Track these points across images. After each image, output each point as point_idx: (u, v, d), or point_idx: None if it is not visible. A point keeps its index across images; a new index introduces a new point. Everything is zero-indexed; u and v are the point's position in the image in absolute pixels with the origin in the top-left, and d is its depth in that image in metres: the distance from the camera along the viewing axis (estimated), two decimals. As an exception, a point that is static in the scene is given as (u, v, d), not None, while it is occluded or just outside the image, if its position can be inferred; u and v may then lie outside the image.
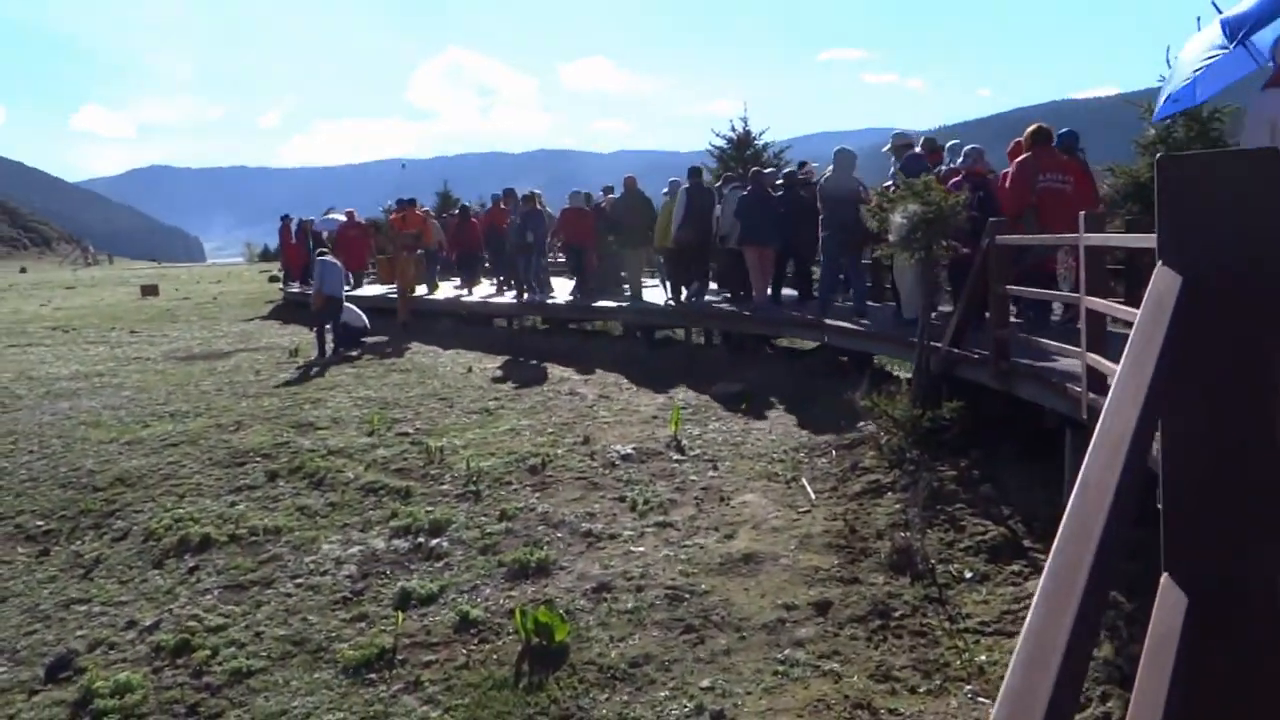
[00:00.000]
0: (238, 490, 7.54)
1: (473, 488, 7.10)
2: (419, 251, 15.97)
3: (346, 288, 14.81)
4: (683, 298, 12.22)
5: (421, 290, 16.43)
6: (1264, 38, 5.08)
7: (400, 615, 5.40)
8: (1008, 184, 7.50)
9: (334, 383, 10.94)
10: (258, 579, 6.13)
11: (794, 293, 12.36)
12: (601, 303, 13.41)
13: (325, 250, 14.47)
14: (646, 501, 6.62)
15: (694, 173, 12.00)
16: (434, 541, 6.33)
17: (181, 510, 7.18)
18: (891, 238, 6.77)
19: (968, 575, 5.31)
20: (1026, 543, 5.48)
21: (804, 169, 11.55)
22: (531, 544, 6.11)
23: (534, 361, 11.63)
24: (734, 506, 6.45)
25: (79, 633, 5.73)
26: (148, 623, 5.71)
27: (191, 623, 5.60)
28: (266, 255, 45.35)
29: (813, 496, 6.49)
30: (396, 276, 15.72)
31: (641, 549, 5.93)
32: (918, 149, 9.33)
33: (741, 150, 14.84)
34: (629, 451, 7.55)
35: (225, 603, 5.87)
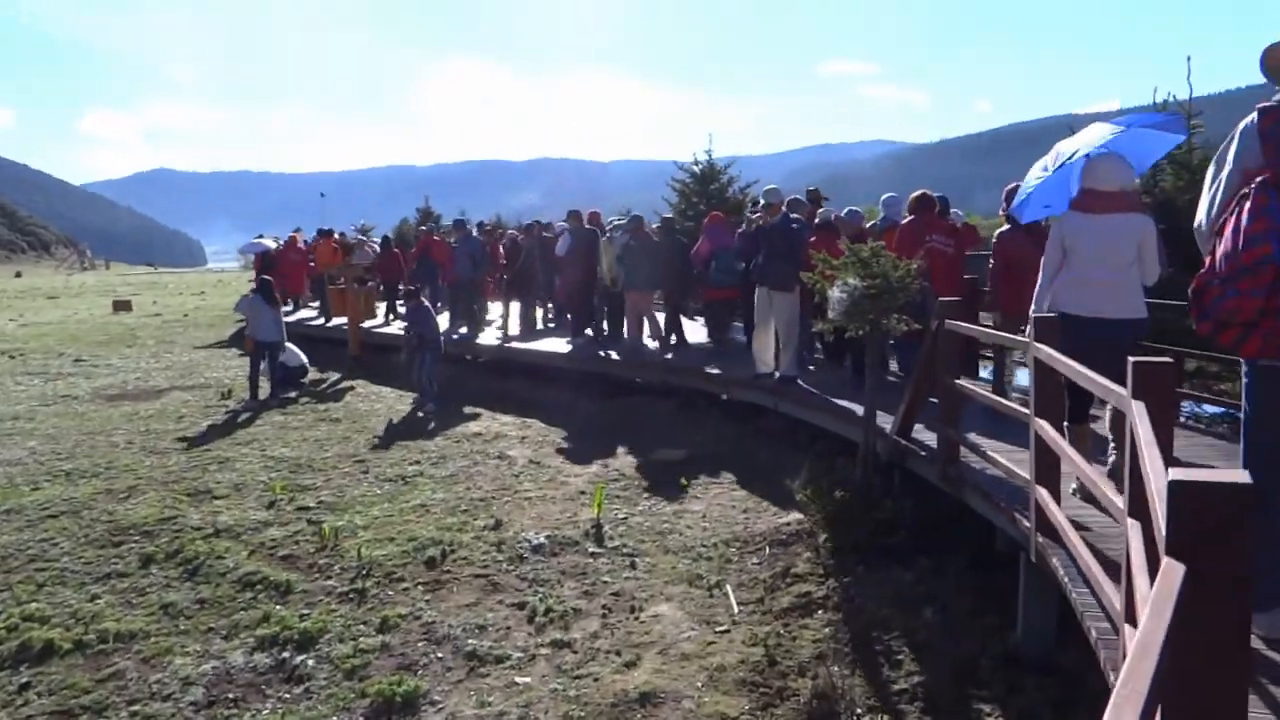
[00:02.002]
0: (105, 579, 6.73)
1: (359, 585, 6.30)
2: (369, 284, 15.17)
3: (287, 310, 13.97)
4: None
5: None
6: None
7: (229, 770, 4.59)
8: (894, 246, 7.06)
9: (253, 435, 10.14)
10: (90, 704, 5.30)
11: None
12: (541, 346, 12.69)
13: (268, 280, 13.23)
14: (548, 611, 5.81)
15: (573, 215, 12.44)
16: (299, 658, 5.51)
17: (35, 605, 6.36)
18: (830, 313, 5.98)
19: (898, 730, 4.50)
20: (969, 689, 4.67)
21: (756, 209, 10.75)
22: (405, 668, 5.30)
23: (475, 410, 10.84)
24: (644, 621, 5.64)
25: None
26: (-52, 763, 4.91)
27: (-8, 768, 4.80)
28: (259, 262, 45.03)
29: (735, 610, 5.67)
30: (347, 309, 14.93)
31: (527, 679, 5.12)
32: (792, 200, 9.17)
33: (706, 184, 14.01)
34: (541, 541, 6.74)
35: (43, 738, 5.06)
